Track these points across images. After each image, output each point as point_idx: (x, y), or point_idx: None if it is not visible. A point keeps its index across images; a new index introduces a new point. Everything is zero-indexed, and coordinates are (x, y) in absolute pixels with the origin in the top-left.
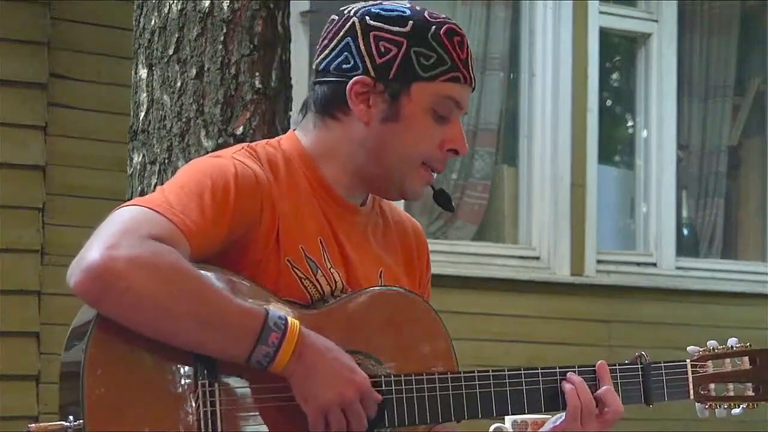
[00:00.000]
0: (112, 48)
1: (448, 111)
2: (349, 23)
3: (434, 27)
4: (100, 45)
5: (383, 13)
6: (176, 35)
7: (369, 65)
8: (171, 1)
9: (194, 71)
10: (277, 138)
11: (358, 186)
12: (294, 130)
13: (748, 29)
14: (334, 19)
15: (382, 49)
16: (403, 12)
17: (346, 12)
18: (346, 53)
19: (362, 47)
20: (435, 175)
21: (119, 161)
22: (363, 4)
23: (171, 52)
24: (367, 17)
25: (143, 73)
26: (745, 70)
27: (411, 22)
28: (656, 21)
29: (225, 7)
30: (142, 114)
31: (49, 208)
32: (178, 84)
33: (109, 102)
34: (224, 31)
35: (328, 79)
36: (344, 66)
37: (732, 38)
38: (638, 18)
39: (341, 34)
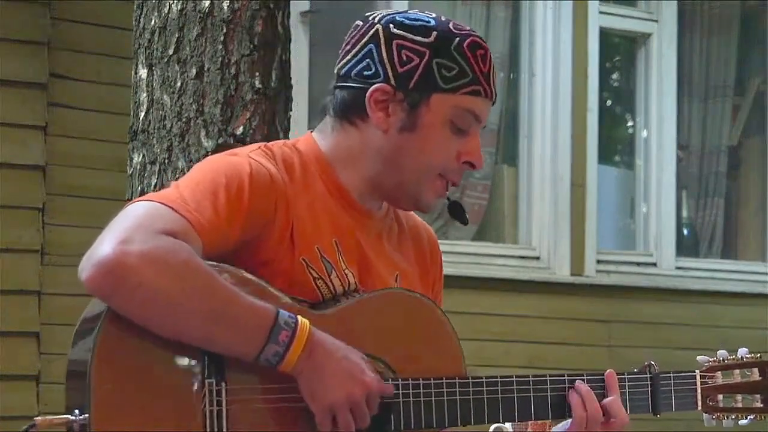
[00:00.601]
0: (112, 48)
1: (467, 124)
2: (373, 30)
3: (458, 39)
4: (100, 45)
5: (407, 22)
6: (176, 35)
7: (390, 73)
8: (171, 1)
9: (194, 71)
10: (293, 139)
11: (373, 193)
12: (311, 132)
13: (748, 29)
14: (358, 25)
15: (404, 58)
16: (428, 22)
17: (371, 18)
18: (368, 60)
19: (384, 55)
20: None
21: (119, 161)
22: (388, 11)
23: (171, 52)
24: (392, 25)
25: (143, 73)
26: (745, 70)
27: (435, 32)
28: (656, 21)
29: (225, 7)
30: (142, 114)
31: (49, 208)
32: (178, 84)
33: (109, 102)
34: (224, 31)
35: (348, 84)
36: (365, 72)
37: (732, 38)
38: (638, 18)
39: (364, 40)
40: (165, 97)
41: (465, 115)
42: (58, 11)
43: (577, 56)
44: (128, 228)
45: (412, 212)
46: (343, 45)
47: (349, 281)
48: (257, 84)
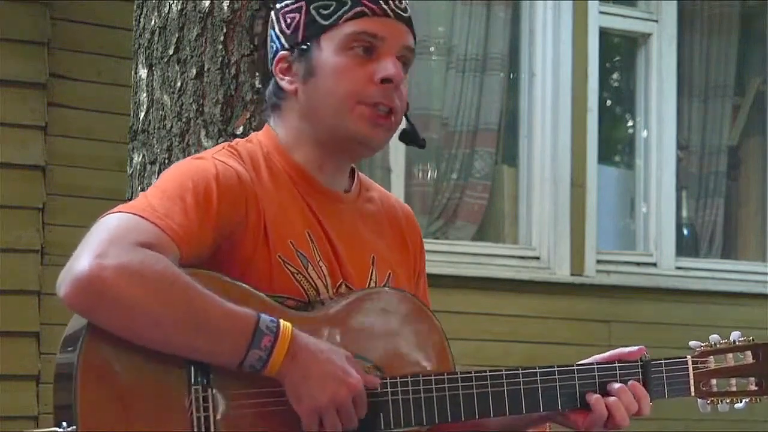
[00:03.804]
0: (112, 48)
1: (366, 45)
2: (270, 21)
3: None
4: (100, 45)
5: None
6: (176, 35)
7: (283, 41)
8: (171, 1)
9: (194, 71)
10: (255, 134)
11: (329, 161)
12: (267, 124)
13: (748, 29)
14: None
15: (288, 21)
16: None
17: None
18: (271, 44)
19: (277, 30)
20: (392, 118)
21: (119, 161)
22: None
23: (171, 52)
24: (276, 5)
25: (143, 73)
26: (745, 70)
27: None
28: (656, 21)
29: (225, 7)
30: (142, 114)
31: (49, 208)
32: (178, 84)
33: (109, 102)
34: (224, 31)
35: (270, 76)
36: (270, 55)
37: (732, 38)
38: (638, 18)
39: (268, 33)
40: (165, 97)
41: (358, 37)
42: (58, 11)
43: (577, 56)
44: (103, 241)
45: (388, 193)
46: None
47: (324, 274)
48: (257, 84)
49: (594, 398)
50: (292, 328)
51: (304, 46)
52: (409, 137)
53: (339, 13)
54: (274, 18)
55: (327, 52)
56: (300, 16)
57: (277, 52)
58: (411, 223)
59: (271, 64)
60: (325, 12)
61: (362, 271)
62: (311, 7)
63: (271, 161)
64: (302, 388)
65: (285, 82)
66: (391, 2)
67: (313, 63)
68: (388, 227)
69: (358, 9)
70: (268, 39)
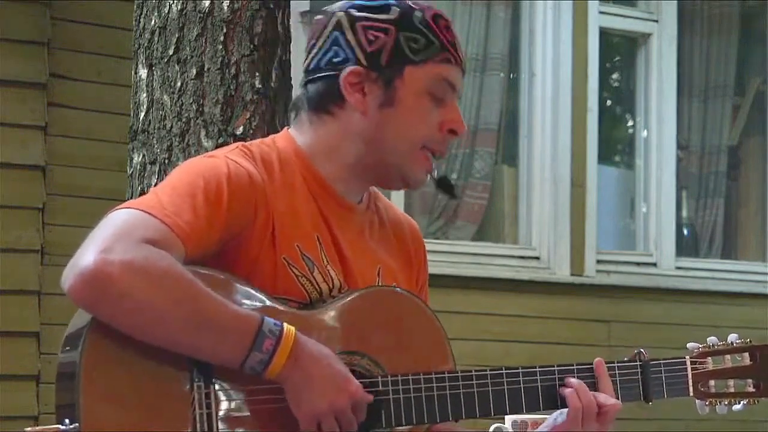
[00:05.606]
0: (112, 48)
1: (443, 92)
2: (335, 19)
3: (420, 12)
4: (100, 45)
5: (367, 3)
6: (176, 35)
7: (360, 55)
8: (171, 1)
9: (194, 71)
10: (272, 137)
11: (358, 180)
12: (288, 128)
13: (748, 29)
14: (319, 19)
15: (371, 38)
16: (387, 1)
17: (329, 10)
18: (335, 47)
19: (351, 39)
20: (434, 163)
21: (119, 161)
22: (345, 2)
23: (171, 52)
24: (352, 10)
25: (143, 73)
26: (745, 70)
27: (396, 8)
28: (656, 21)
29: (225, 7)
30: (142, 114)
31: (49, 208)
32: (178, 84)
33: (109, 102)
34: (224, 31)
35: (319, 75)
36: (335, 60)
37: (732, 38)
38: (638, 18)
39: (328, 30)
40: (165, 97)
41: (440, 83)
42: (58, 11)
43: (577, 56)
44: (109, 237)
45: (393, 206)
46: (308, 42)
47: (332, 278)
48: (257, 84)
49: (567, 391)
50: (296, 332)
51: (389, 72)
52: (445, 187)
53: (429, 52)
54: (346, 24)
55: (410, 88)
56: (387, 39)
57: (346, 61)
58: (415, 236)
59: (329, 67)
60: (415, 46)
61: (369, 281)
62: (401, 34)
63: (286, 164)
64: (302, 393)
65: (354, 98)
66: (462, 53)
67: (395, 95)
68: (393, 240)
69: (447, 55)
70: (326, 39)
